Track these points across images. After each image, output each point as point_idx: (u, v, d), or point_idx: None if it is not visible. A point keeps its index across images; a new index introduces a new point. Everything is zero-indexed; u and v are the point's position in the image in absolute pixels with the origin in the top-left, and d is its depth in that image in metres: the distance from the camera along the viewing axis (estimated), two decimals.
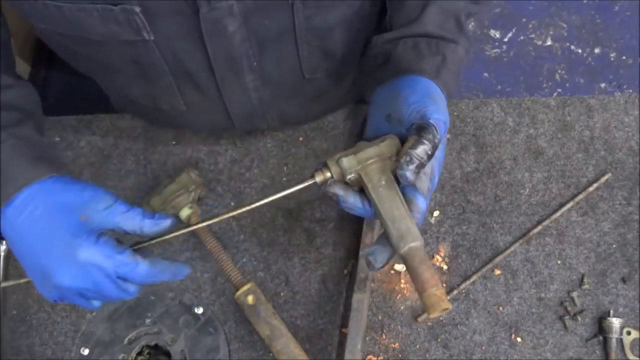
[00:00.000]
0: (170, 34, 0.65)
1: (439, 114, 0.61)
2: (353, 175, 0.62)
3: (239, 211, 0.64)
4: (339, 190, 0.62)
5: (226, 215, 0.65)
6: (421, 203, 0.62)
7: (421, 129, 0.60)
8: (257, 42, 0.69)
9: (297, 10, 0.67)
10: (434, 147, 0.60)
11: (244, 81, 0.74)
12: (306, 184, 0.63)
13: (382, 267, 0.63)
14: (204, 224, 0.66)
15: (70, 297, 0.63)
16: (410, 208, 0.62)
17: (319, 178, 0.63)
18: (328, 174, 0.62)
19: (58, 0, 0.61)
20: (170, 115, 0.81)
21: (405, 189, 0.63)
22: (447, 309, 0.58)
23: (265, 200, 0.64)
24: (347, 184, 0.63)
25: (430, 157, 0.60)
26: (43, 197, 0.62)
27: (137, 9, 0.61)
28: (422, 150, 0.59)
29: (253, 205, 0.64)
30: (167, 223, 0.64)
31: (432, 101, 0.62)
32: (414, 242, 0.60)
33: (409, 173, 0.60)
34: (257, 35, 0.68)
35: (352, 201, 0.63)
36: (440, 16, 0.71)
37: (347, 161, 0.62)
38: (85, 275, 0.61)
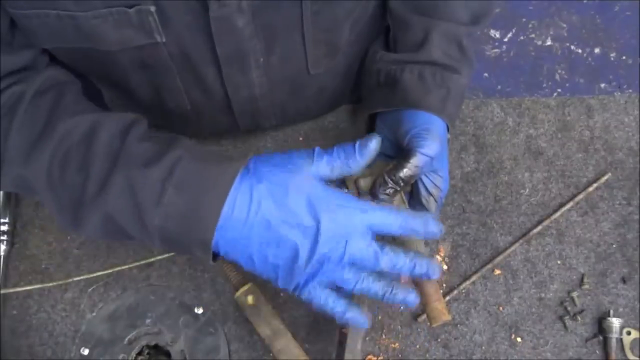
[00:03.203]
0: (180, 34, 0.65)
1: (427, 149, 0.67)
2: (369, 196, 0.69)
3: None
4: None
5: None
6: None
7: (405, 157, 0.67)
8: (264, 37, 0.69)
9: (306, 4, 0.67)
10: (410, 176, 0.67)
11: (250, 77, 0.74)
12: None
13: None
14: None
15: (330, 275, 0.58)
16: None
17: None
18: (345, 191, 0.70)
19: (72, 10, 0.59)
20: (176, 114, 0.81)
21: (415, 208, 0.72)
22: (447, 320, 0.66)
23: None
24: None
25: (406, 182, 0.67)
26: (262, 178, 0.57)
27: (152, 9, 0.60)
28: (397, 176, 0.66)
29: None
30: (373, 144, 0.60)
31: (428, 136, 0.68)
32: None
33: (379, 194, 0.67)
34: (265, 30, 0.68)
35: None
36: (444, 41, 0.74)
37: (364, 182, 0.69)
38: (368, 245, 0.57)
